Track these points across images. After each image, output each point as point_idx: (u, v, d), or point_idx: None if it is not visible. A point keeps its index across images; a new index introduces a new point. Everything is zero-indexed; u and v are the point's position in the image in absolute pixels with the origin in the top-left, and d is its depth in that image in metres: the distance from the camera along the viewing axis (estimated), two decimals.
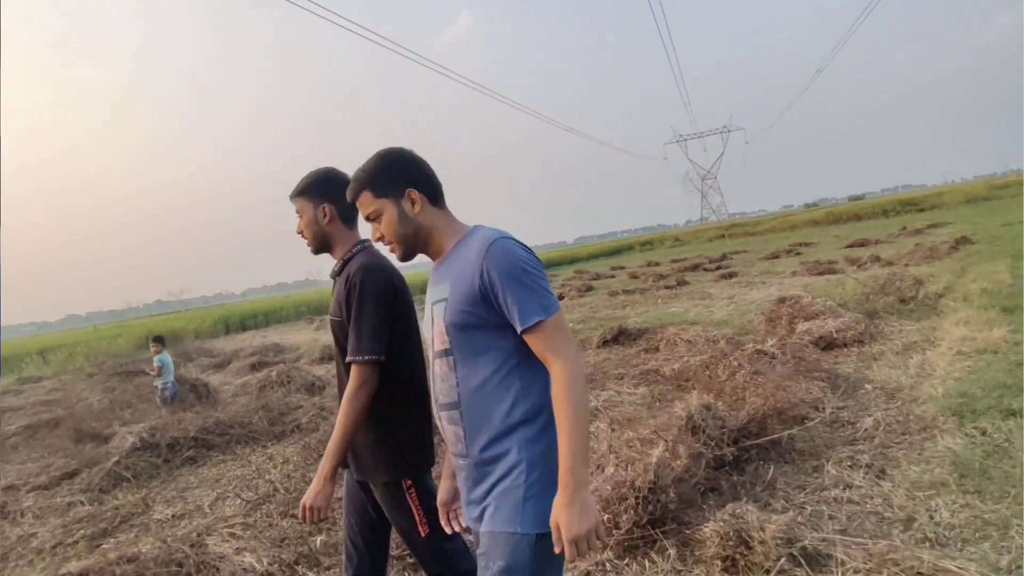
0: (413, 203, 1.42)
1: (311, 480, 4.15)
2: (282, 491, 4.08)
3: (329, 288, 2.01)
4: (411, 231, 1.43)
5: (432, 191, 1.46)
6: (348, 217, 1.94)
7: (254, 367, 10.68)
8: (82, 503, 4.41)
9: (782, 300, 7.02)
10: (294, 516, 3.52)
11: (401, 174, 1.43)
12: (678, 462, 2.73)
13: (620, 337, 7.53)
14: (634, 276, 19.23)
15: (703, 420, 3.15)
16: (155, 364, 7.38)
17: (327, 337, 14.98)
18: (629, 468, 2.70)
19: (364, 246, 1.93)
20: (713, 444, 3.05)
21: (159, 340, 7.77)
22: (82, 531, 3.89)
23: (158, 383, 7.34)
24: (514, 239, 1.35)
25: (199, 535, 3.40)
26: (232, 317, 25.99)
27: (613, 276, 21.55)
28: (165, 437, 5.37)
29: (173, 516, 4.00)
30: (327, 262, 1.95)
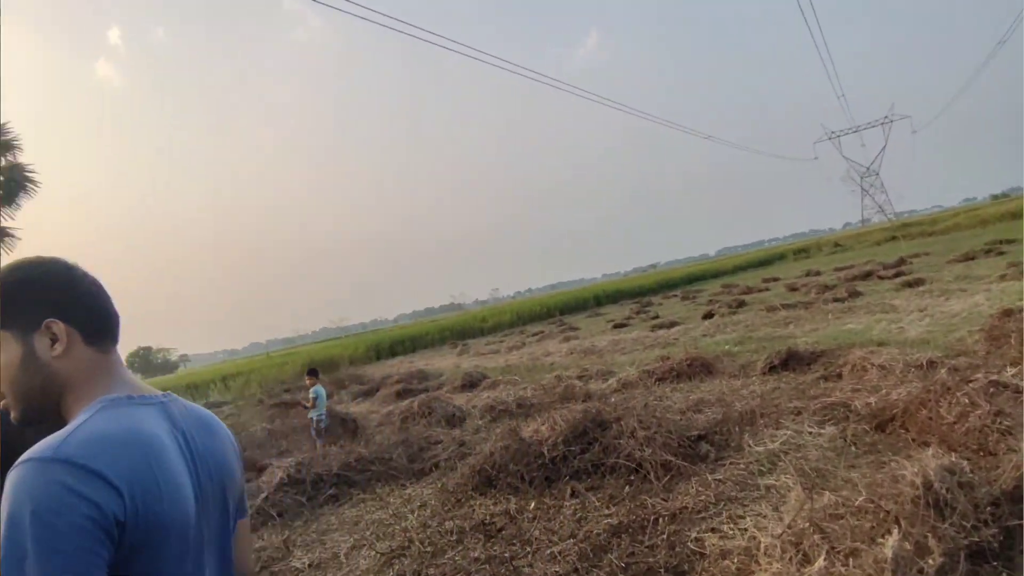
0: (54, 340, 0.91)
1: (447, 530, 3.82)
2: (417, 543, 3.76)
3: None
4: (37, 383, 0.91)
5: (91, 323, 0.95)
6: None
7: (399, 395, 10.92)
8: None
9: (1007, 313, 5.61)
10: None
11: (39, 295, 0.92)
12: (930, 559, 1.94)
13: (790, 362, 6.49)
14: (793, 288, 17.30)
15: (947, 490, 2.30)
16: (310, 396, 7.62)
17: (468, 363, 15.08)
18: (851, 563, 1.97)
19: None
20: (969, 526, 2.19)
21: (313, 372, 8.04)
22: None
23: (313, 415, 7.55)
24: (61, 461, 0.76)
25: None
26: (382, 343, 27.41)
27: (767, 289, 19.68)
28: (310, 473, 5.36)
29: (310, 565, 3.83)
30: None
